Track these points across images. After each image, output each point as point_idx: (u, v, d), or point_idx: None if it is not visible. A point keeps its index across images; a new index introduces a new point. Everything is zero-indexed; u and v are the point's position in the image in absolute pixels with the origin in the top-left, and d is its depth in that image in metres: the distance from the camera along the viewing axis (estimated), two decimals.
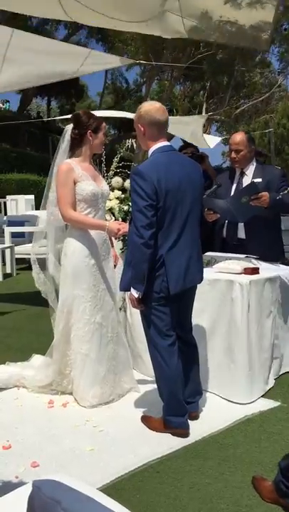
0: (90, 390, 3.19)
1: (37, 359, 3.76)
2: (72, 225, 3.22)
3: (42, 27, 21.65)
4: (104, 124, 3.22)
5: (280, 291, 3.52)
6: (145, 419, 2.99)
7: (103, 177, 4.10)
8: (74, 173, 3.16)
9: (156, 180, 2.60)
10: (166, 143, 2.77)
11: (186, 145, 5.22)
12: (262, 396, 3.32)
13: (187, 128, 7.78)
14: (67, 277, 3.22)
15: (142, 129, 2.75)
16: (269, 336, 3.45)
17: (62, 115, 21.17)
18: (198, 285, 3.09)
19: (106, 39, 21.69)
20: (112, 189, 4.61)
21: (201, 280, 2.95)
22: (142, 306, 2.78)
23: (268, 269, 3.62)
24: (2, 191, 14.45)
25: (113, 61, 6.96)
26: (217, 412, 3.13)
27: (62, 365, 3.31)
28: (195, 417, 3.03)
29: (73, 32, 21.60)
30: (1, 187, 15.01)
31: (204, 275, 3.28)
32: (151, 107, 2.74)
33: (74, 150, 3.26)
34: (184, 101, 26.63)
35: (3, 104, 23.84)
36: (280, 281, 3.52)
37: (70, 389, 3.32)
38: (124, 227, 3.11)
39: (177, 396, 2.82)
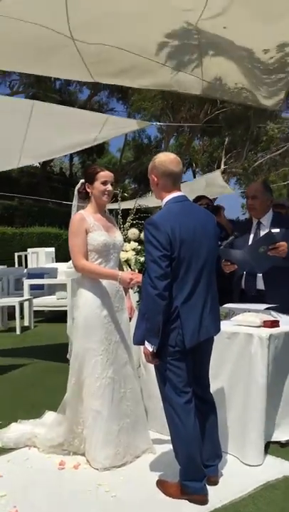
0: (102, 450, 3.02)
1: (50, 416, 3.63)
2: (85, 275, 3.17)
3: (65, 88, 22.62)
4: (101, 173, 3.19)
5: None
6: (160, 484, 2.80)
7: (119, 228, 4.08)
8: (86, 223, 3.14)
9: (170, 230, 2.55)
10: (180, 193, 2.74)
11: (200, 197, 5.21)
12: (285, 459, 3.11)
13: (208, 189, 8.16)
14: (78, 330, 3.13)
15: (156, 179, 2.73)
16: (285, 391, 3.28)
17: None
18: (216, 339, 2.97)
19: (126, 98, 22.49)
20: (129, 240, 4.60)
21: (217, 332, 2.82)
22: (156, 360, 2.66)
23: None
24: (24, 244, 14.69)
25: (130, 125, 7.18)
26: (238, 477, 2.92)
27: (74, 424, 3.16)
28: (214, 482, 2.83)
29: (95, 92, 22.47)
30: (23, 240, 15.27)
31: (222, 328, 3.17)
32: (166, 158, 2.73)
33: (83, 202, 3.27)
34: (203, 155, 27.20)
35: None
36: None
37: (82, 449, 3.15)
38: (137, 276, 3.04)
39: (194, 459, 2.64)
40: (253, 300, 3.85)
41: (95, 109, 23.28)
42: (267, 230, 3.88)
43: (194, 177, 26.40)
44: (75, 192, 3.36)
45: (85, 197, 3.31)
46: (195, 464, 2.64)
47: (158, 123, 8.96)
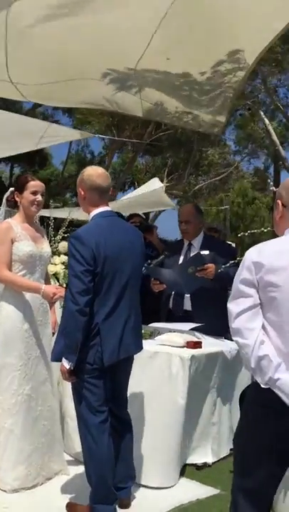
0: (12, 471, 2.87)
1: None
2: (7, 287, 3.05)
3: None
4: (32, 182, 3.10)
5: (221, 367, 3.38)
6: (70, 507, 2.70)
7: (50, 240, 3.99)
8: (13, 232, 3.03)
9: (94, 245, 2.50)
10: (107, 208, 2.70)
11: (133, 215, 5.23)
12: (200, 482, 3.10)
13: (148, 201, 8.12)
14: None
15: (83, 193, 2.69)
16: (207, 414, 3.29)
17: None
18: (138, 357, 2.93)
19: (72, 110, 22.38)
20: (59, 254, 4.50)
21: (138, 350, 2.79)
22: (73, 378, 2.58)
23: (212, 344, 3.51)
24: None
25: (73, 134, 7.13)
26: (150, 500, 2.88)
27: None
28: (126, 505, 2.77)
29: (40, 104, 22.20)
30: None
31: (145, 347, 3.14)
32: (93, 172, 2.69)
33: (12, 211, 3.18)
34: (146, 175, 27.52)
35: None
36: (222, 357, 3.40)
37: None
38: (61, 291, 2.96)
39: (106, 481, 2.57)
40: (180, 320, 3.86)
41: (39, 118, 23.00)
42: (197, 252, 3.92)
43: None
44: (4, 200, 3.26)
45: (13, 206, 3.22)
46: (106, 486, 2.57)
47: (101, 135, 8.96)
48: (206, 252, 3.90)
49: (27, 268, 3.07)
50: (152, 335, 3.57)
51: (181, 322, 3.80)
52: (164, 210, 22.69)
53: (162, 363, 3.16)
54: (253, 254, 1.89)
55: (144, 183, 27.59)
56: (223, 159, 23.19)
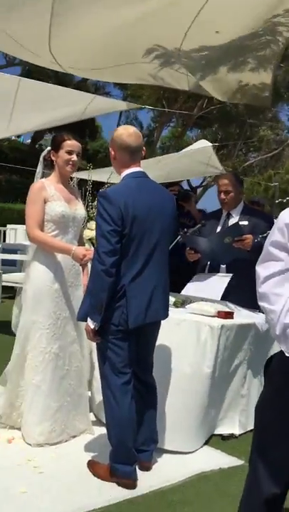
0: (37, 426, 2.93)
1: None
2: (38, 247, 3.07)
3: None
4: (68, 141, 3.06)
5: (253, 339, 3.30)
6: (91, 465, 2.73)
7: (87, 206, 3.97)
8: (45, 192, 3.03)
9: (123, 205, 2.45)
10: (138, 169, 2.64)
11: (171, 183, 5.13)
12: (225, 452, 3.07)
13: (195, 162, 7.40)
14: (27, 301, 3.04)
15: (113, 153, 2.64)
16: (235, 386, 3.23)
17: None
18: (165, 324, 2.89)
19: (124, 83, 22.19)
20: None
21: (166, 316, 2.75)
22: (98, 338, 2.58)
23: (245, 315, 3.43)
24: (4, 220, 14.44)
25: (119, 105, 7.07)
26: (172, 465, 2.87)
27: (13, 396, 3.07)
28: (147, 468, 2.77)
29: None
30: (3, 215, 15.02)
31: (175, 315, 3.11)
32: (124, 131, 2.63)
33: (47, 171, 3.17)
34: None
35: (18, 137, 24.24)
36: (254, 330, 3.31)
37: (19, 423, 3.06)
38: (91, 253, 2.94)
39: (126, 442, 2.57)
40: None
41: (91, 91, 22.94)
42: (235, 222, 3.81)
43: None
44: (41, 158, 3.25)
45: (50, 165, 3.20)
46: (126, 446, 2.58)
47: (148, 107, 8.74)
48: (244, 223, 3.78)
49: (59, 228, 3.07)
50: (184, 303, 3.52)
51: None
52: (212, 186, 22.34)
53: (191, 331, 3.11)
54: (286, 215, 1.78)
55: None
56: (275, 135, 22.45)
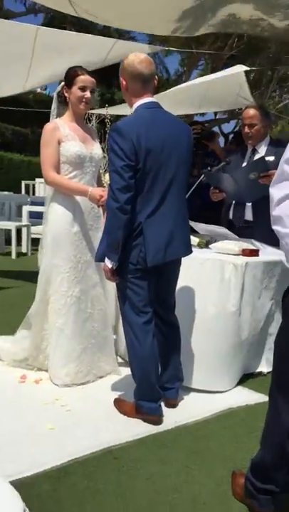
0: (63, 367, 2.97)
1: (21, 333, 3.58)
2: (56, 190, 3.01)
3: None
4: (81, 77, 2.92)
5: (280, 277, 3.20)
6: (117, 403, 2.76)
7: (106, 146, 3.85)
8: (59, 132, 2.93)
9: (135, 138, 2.34)
10: (151, 99, 2.50)
11: (194, 122, 4.92)
12: (252, 389, 3.05)
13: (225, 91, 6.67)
14: (47, 245, 3.01)
15: (124, 82, 2.49)
16: (262, 324, 3.17)
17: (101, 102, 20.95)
18: (189, 264, 2.82)
19: None
20: None
21: (187, 254, 2.67)
22: (116, 278, 2.54)
23: (271, 253, 3.32)
24: (32, 174, 14.45)
25: (142, 49, 6.77)
26: (199, 402, 2.88)
27: (38, 339, 3.11)
28: (173, 405, 2.79)
29: None
30: (31, 169, 15.00)
31: (199, 254, 3.04)
32: (135, 58, 2.47)
33: (61, 109, 3.05)
34: None
35: (42, 90, 23.90)
36: (281, 267, 3.21)
37: (46, 365, 3.11)
38: None
39: (150, 379, 2.57)
40: (240, 231, 3.69)
41: (114, 37, 22.19)
42: (260, 157, 3.64)
43: (215, 117, 25.39)
44: (54, 95, 3.12)
45: (64, 102, 3.07)
46: (149, 383, 2.58)
47: (171, 48, 8.25)
48: (270, 158, 3.59)
49: (76, 170, 2.99)
50: (208, 243, 3.43)
51: (242, 233, 3.62)
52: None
53: (214, 270, 3.03)
54: None
55: None
56: None
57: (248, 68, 6.63)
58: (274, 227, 1.70)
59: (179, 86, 7.61)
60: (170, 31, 5.09)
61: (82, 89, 2.93)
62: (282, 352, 1.84)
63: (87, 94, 2.95)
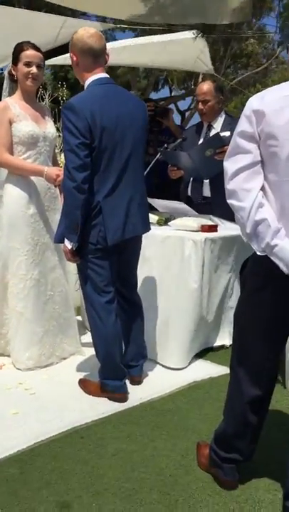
0: (25, 351, 2.94)
1: None
2: (10, 171, 2.93)
3: None
4: (26, 52, 2.83)
5: (238, 251, 3.25)
6: (82, 383, 2.76)
7: (57, 121, 3.76)
8: (10, 112, 2.84)
9: (89, 115, 2.30)
10: (103, 74, 2.45)
11: (147, 100, 4.86)
12: (215, 363, 3.11)
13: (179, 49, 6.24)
14: (3, 228, 2.94)
15: (75, 58, 2.44)
16: (223, 298, 3.22)
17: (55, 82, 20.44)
18: (149, 242, 2.82)
19: None
20: None
21: (145, 231, 2.67)
22: (76, 259, 2.52)
23: (230, 228, 3.35)
24: None
25: (94, 26, 6.60)
26: (163, 378, 2.91)
27: None
28: (138, 382, 2.81)
29: None
30: None
31: (158, 232, 3.05)
32: (84, 32, 2.41)
33: (13, 88, 2.96)
34: (179, 71, 25.88)
35: None
36: (239, 241, 3.24)
37: (8, 350, 3.07)
38: None
39: (113, 357, 2.58)
40: (199, 207, 3.70)
41: (66, 14, 21.61)
42: (216, 133, 3.65)
43: (170, 94, 25.22)
44: (6, 74, 3.02)
45: (13, 80, 2.97)
46: (114, 362, 2.59)
47: (124, 26, 8.03)
48: (226, 133, 3.60)
49: (31, 150, 2.92)
50: (167, 221, 3.44)
51: (201, 209, 3.64)
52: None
53: (174, 247, 3.06)
54: (254, 101, 1.63)
55: (178, 79, 25.95)
56: (263, 49, 21.43)
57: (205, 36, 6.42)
58: (229, 201, 1.71)
59: (136, 40, 7.33)
60: (126, 16, 4.97)
61: (28, 64, 2.84)
62: (242, 324, 1.87)
63: (34, 69, 2.86)
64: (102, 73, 2.45)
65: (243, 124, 1.64)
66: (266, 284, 1.71)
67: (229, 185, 1.68)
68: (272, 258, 1.63)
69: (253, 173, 1.65)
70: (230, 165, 1.68)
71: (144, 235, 2.72)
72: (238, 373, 1.89)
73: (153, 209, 3.61)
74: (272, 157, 1.61)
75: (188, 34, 6.17)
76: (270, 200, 1.66)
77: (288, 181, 1.60)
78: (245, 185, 1.64)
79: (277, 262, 1.63)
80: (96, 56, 2.42)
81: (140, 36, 21.50)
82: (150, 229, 2.72)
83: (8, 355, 3.07)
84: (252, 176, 1.64)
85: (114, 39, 23.75)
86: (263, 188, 1.66)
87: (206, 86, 3.73)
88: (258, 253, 1.66)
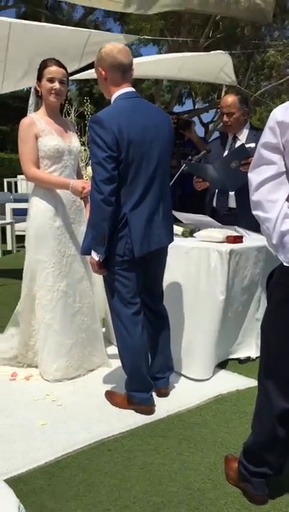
0: (53, 363, 2.96)
1: (9, 331, 3.56)
2: (36, 184, 2.98)
3: (58, 5, 21.32)
4: (49, 68, 2.89)
5: (265, 262, 3.22)
6: (109, 395, 2.76)
7: (82, 135, 3.82)
8: (36, 127, 2.90)
9: (116, 128, 2.33)
10: (130, 89, 2.49)
11: (170, 113, 4.90)
12: (242, 375, 3.07)
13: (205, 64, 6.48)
14: (30, 241, 2.99)
15: (103, 72, 2.48)
16: (249, 310, 3.20)
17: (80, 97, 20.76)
18: (174, 254, 2.82)
19: (124, 17, 21.20)
20: None
21: (170, 242, 2.68)
22: (103, 270, 2.54)
23: (255, 239, 3.33)
24: (14, 171, 14.34)
25: (116, 39, 6.68)
26: (189, 390, 2.89)
27: (26, 336, 3.09)
28: (164, 394, 2.80)
29: (91, 10, 21.14)
30: (12, 166, 14.88)
31: (183, 243, 3.06)
32: (113, 48, 2.45)
33: (39, 103, 3.03)
34: (203, 84, 25.97)
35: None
36: (265, 252, 3.22)
37: (36, 362, 3.10)
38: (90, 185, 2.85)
39: (140, 369, 2.58)
40: (224, 218, 3.70)
41: (90, 28, 22.00)
42: (241, 144, 3.65)
43: (194, 107, 25.33)
44: (32, 89, 3.09)
45: (39, 96, 3.04)
46: (141, 374, 2.58)
47: (147, 37, 8.13)
48: (251, 145, 3.61)
49: (56, 164, 2.97)
50: (192, 232, 3.44)
51: (226, 220, 3.63)
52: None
53: (200, 258, 3.05)
54: (278, 112, 1.63)
55: (201, 93, 26.05)
56: (286, 60, 21.37)
57: (228, 52, 6.56)
58: (254, 213, 1.70)
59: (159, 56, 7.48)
60: (122, 7, 4.98)
61: (51, 80, 2.90)
62: (269, 335, 1.85)
63: (56, 85, 2.91)
64: (129, 87, 2.49)
65: (267, 136, 1.64)
66: None
67: (254, 197, 1.67)
68: None
69: (278, 183, 1.64)
70: (254, 176, 1.67)
71: (169, 246, 2.73)
72: (267, 386, 1.87)
73: (177, 221, 3.63)
74: None
75: (213, 54, 6.31)
76: None
77: None
78: (270, 196, 1.64)
79: None
80: (124, 71, 2.46)
81: (161, 50, 21.58)
82: (173, 239, 2.72)
83: (36, 367, 3.10)
84: (277, 187, 1.64)
85: (140, 55, 24.10)
86: None
87: (230, 98, 3.75)
88: (285, 264, 1.64)
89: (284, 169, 1.63)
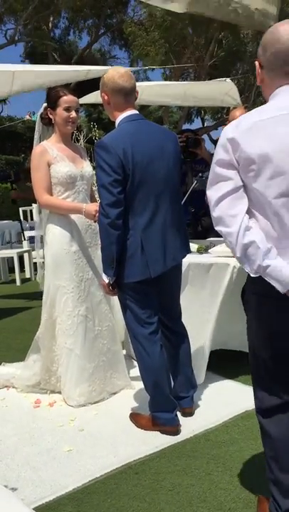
0: (76, 388, 2.96)
1: (31, 357, 3.57)
2: (51, 211, 3.02)
3: (64, 37, 21.86)
4: (64, 98, 2.95)
5: None
6: (133, 417, 2.74)
7: (92, 161, 3.88)
8: (48, 155, 2.96)
9: (121, 152, 2.35)
10: (133, 111, 2.52)
11: (181, 132, 4.94)
12: None
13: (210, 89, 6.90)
14: (48, 267, 3.02)
15: (106, 97, 2.52)
16: None
17: (89, 123, 21.13)
18: (192, 272, 2.81)
19: (128, 45, 21.63)
20: None
21: (184, 256, 2.68)
22: (114, 292, 2.55)
23: None
24: (28, 200, 14.52)
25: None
26: (214, 407, 2.85)
27: (48, 362, 3.10)
28: (189, 413, 2.77)
29: (96, 39, 21.64)
30: (26, 195, 15.07)
31: (201, 260, 3.06)
32: (115, 73, 2.50)
33: (45, 131, 3.09)
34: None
35: (30, 117, 24.17)
36: None
37: (58, 387, 3.10)
38: None
39: (162, 389, 2.56)
40: None
41: (96, 57, 22.47)
42: None
43: (203, 125, 25.55)
44: (38, 118, 3.16)
45: (48, 123, 3.11)
46: (163, 394, 2.56)
47: (151, 67, 8.19)
48: None
49: (69, 190, 3.01)
50: (208, 248, 3.44)
51: None
52: None
53: (219, 274, 3.05)
54: (228, 130, 1.63)
55: (210, 111, 26.19)
56: None
57: (232, 77, 6.79)
58: (216, 228, 1.70)
59: (165, 82, 7.76)
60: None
61: (67, 109, 2.96)
62: (251, 346, 1.84)
63: (73, 114, 2.98)
64: (132, 110, 2.52)
65: (220, 153, 1.64)
66: (266, 301, 1.68)
67: (215, 213, 1.67)
68: (266, 279, 1.61)
69: (236, 198, 1.64)
70: (213, 193, 1.67)
71: (187, 265, 2.72)
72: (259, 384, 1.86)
73: (192, 237, 3.63)
74: (252, 181, 1.62)
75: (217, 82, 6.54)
76: (259, 221, 1.64)
77: (271, 202, 1.59)
78: (230, 211, 1.64)
79: (272, 282, 1.60)
80: (127, 95, 2.50)
81: (167, 74, 21.84)
82: (189, 252, 2.72)
83: (59, 392, 3.09)
84: (236, 202, 1.64)
85: (148, 79, 24.51)
86: (249, 211, 1.65)
87: (238, 112, 3.78)
88: (252, 275, 1.64)
89: (241, 183, 1.64)
